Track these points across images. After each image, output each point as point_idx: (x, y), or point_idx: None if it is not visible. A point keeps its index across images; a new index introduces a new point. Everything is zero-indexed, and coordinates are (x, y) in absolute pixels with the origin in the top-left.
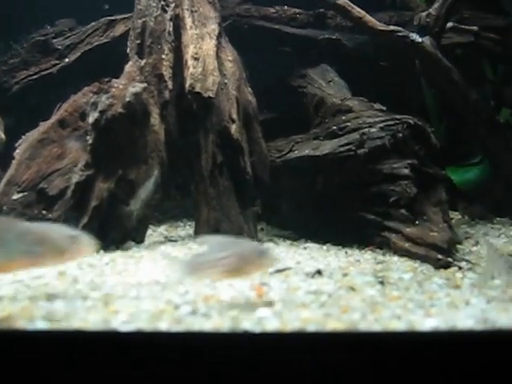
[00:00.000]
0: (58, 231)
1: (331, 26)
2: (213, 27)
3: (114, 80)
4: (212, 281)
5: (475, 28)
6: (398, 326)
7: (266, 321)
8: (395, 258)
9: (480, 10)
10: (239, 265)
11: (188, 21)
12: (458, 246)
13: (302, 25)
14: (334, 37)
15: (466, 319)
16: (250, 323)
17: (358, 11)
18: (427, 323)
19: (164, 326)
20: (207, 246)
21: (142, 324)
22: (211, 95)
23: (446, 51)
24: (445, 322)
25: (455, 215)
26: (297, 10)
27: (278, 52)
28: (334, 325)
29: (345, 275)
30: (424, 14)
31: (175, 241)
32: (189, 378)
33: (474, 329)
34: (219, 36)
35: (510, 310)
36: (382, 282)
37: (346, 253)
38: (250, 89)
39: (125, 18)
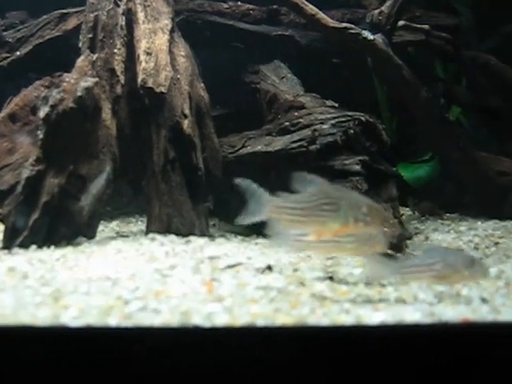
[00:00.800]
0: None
1: (284, 23)
2: (165, 22)
3: (65, 74)
4: (420, 284)
5: (426, 27)
6: (346, 320)
7: (216, 316)
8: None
9: (431, 9)
10: (447, 273)
11: (140, 15)
12: (409, 242)
13: (255, 21)
14: (288, 33)
15: (413, 313)
16: (200, 318)
17: (310, 8)
18: (375, 317)
19: (113, 321)
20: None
21: (92, 319)
22: (163, 90)
23: (398, 49)
24: (392, 316)
25: (406, 211)
26: (250, 6)
27: (231, 48)
28: (284, 319)
29: (295, 270)
30: (376, 11)
31: (127, 236)
32: (138, 374)
33: (420, 322)
34: (172, 31)
35: (458, 304)
36: (331, 277)
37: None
38: (202, 84)
39: (77, 12)
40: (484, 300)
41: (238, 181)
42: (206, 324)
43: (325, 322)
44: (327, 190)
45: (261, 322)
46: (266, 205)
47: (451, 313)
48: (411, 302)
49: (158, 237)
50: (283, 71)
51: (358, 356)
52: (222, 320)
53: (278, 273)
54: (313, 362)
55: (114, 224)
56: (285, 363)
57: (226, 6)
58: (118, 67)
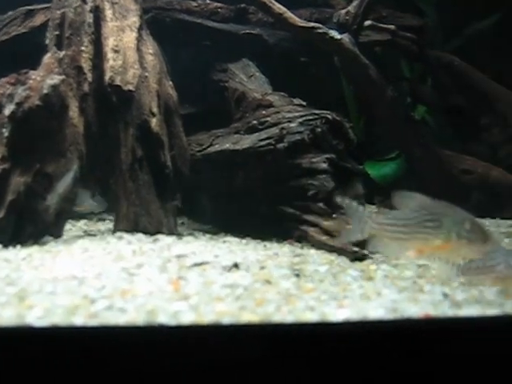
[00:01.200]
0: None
1: (253, 22)
2: (134, 20)
3: (31, 72)
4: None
5: (392, 27)
6: (311, 317)
7: (182, 314)
8: (313, 251)
9: (398, 10)
10: (509, 274)
11: (108, 13)
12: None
13: (223, 19)
14: (256, 32)
15: (376, 309)
16: (165, 317)
17: (278, 7)
18: (339, 314)
19: (79, 320)
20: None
21: (57, 319)
22: (131, 88)
23: (365, 48)
24: (356, 313)
25: (372, 208)
26: (219, 5)
27: (199, 46)
28: (249, 317)
29: (262, 268)
30: (343, 11)
31: (94, 235)
32: (104, 373)
33: (383, 318)
34: (140, 29)
35: (419, 299)
36: (297, 275)
37: (265, 246)
38: (171, 82)
39: (44, 8)
40: (446, 295)
41: (340, 199)
42: (172, 322)
43: (290, 319)
44: (429, 206)
45: (226, 320)
46: (367, 222)
47: (414, 308)
48: (375, 299)
49: (126, 235)
50: (251, 70)
51: (323, 353)
52: (187, 318)
53: (245, 270)
54: (278, 360)
55: (82, 223)
56: (250, 361)
57: (194, 4)
58: (86, 65)
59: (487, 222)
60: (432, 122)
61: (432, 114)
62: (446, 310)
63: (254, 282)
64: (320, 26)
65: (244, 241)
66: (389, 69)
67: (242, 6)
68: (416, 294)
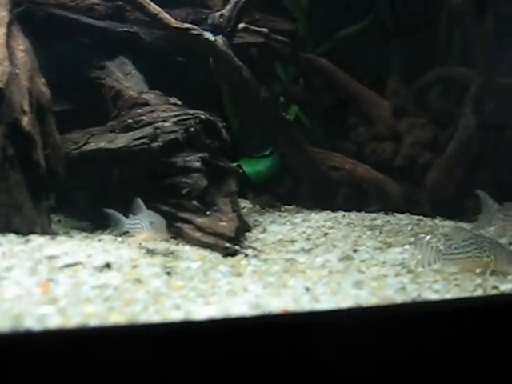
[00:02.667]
0: None
1: (130, 20)
2: (2, 14)
3: None
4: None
5: (265, 30)
6: (176, 316)
7: (49, 318)
8: (187, 248)
9: (271, 14)
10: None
11: None
12: (248, 234)
13: (100, 16)
14: (133, 30)
15: (240, 306)
16: (32, 321)
17: (154, 7)
18: (204, 312)
19: None
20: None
21: None
22: (1, 86)
23: (240, 50)
24: (221, 310)
25: (247, 204)
26: (95, 1)
27: (75, 42)
28: (116, 318)
29: (134, 267)
30: (217, 14)
31: None
32: None
33: (245, 315)
34: (10, 24)
35: (283, 294)
36: (169, 273)
37: (140, 244)
38: (43, 80)
39: None
40: (307, 289)
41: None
42: (38, 327)
43: (156, 318)
44: None
45: (93, 322)
46: (495, 214)
47: (276, 303)
48: (241, 295)
49: None
50: (128, 68)
51: (187, 351)
52: (54, 322)
53: (117, 270)
54: (144, 360)
55: None
56: (116, 362)
57: None
58: None
59: (353, 216)
60: (306, 121)
61: (305, 114)
62: (305, 304)
63: (125, 282)
64: (195, 27)
65: (119, 239)
66: (265, 70)
67: (120, 3)
68: (280, 289)
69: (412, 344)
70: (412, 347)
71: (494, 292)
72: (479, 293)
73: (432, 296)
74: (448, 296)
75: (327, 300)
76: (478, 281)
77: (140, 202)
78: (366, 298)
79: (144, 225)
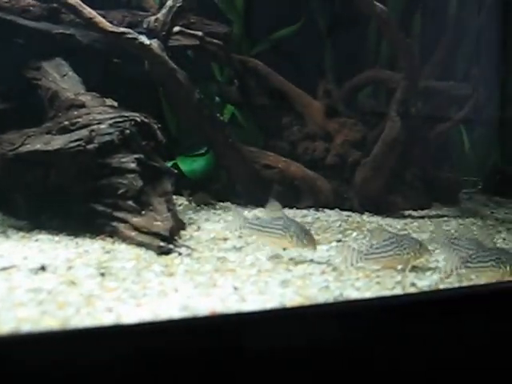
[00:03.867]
0: None
1: (66, 21)
2: None
3: None
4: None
5: (200, 33)
6: (108, 318)
7: None
8: (123, 246)
9: (206, 18)
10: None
11: None
12: (182, 232)
13: (35, 17)
14: (69, 32)
15: (170, 307)
16: None
17: (89, 12)
18: (134, 314)
19: None
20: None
21: None
22: None
23: (177, 52)
24: (151, 312)
25: (183, 202)
26: (31, 2)
27: (10, 43)
28: (49, 322)
29: (69, 268)
30: (152, 18)
31: None
32: None
33: (173, 317)
34: None
35: (212, 294)
36: (103, 274)
37: (77, 243)
38: None
39: None
40: (236, 288)
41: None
42: None
43: (87, 322)
44: None
45: (26, 327)
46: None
47: (204, 304)
48: (172, 296)
49: None
50: (65, 69)
51: (119, 356)
52: None
53: (52, 272)
54: (73, 366)
55: None
56: (46, 369)
57: (4, 0)
58: None
59: (285, 212)
60: (242, 121)
61: (241, 113)
62: (232, 304)
63: (59, 284)
64: (130, 31)
65: (57, 238)
66: (201, 71)
67: (55, 5)
68: (209, 288)
69: (336, 341)
70: (336, 345)
71: (413, 289)
72: (398, 290)
73: (353, 294)
74: (368, 294)
75: (254, 300)
76: (398, 278)
77: (277, 203)
78: (290, 296)
79: (292, 232)
